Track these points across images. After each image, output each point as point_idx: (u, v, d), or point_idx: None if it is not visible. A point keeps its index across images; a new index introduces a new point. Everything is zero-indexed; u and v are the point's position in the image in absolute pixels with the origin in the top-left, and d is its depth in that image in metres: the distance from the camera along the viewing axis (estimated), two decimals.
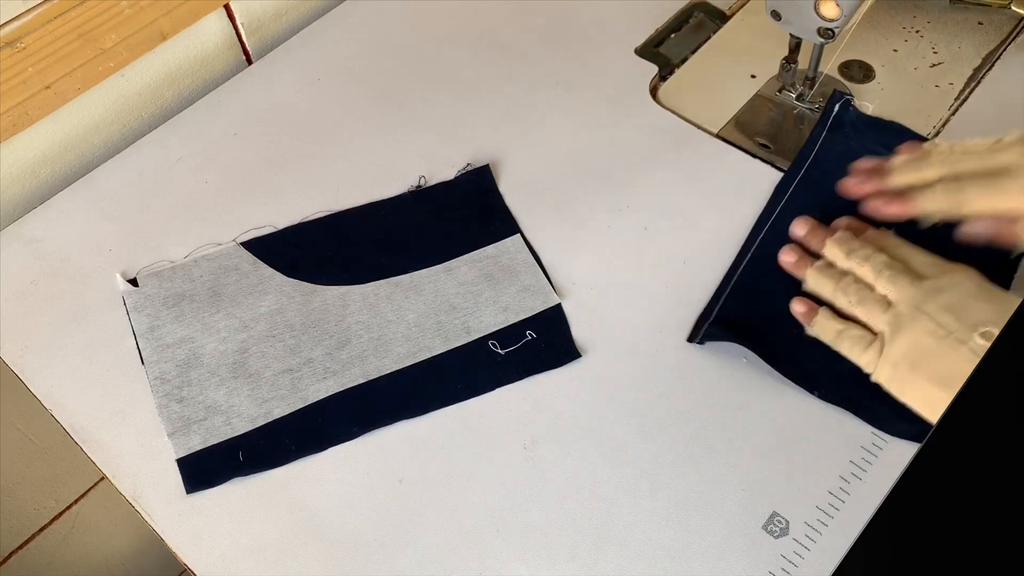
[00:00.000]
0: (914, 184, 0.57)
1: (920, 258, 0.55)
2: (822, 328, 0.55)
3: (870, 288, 0.55)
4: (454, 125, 0.71)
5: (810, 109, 0.71)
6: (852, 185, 0.60)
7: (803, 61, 0.69)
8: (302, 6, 0.79)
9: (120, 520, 0.99)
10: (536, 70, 0.74)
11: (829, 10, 0.62)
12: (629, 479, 0.53)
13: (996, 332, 0.48)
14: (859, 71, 0.74)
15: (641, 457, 0.54)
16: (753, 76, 0.74)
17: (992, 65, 0.73)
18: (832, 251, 0.57)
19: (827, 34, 0.63)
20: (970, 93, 0.72)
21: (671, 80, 0.74)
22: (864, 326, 0.55)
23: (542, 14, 0.79)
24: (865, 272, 0.55)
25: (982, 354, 0.46)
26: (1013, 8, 0.76)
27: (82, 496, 0.93)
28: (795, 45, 0.68)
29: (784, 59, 0.70)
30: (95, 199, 0.67)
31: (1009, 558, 0.27)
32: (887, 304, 0.54)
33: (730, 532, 0.51)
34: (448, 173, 0.68)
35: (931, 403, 0.51)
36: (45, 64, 0.62)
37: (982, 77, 0.72)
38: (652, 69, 0.74)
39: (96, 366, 0.58)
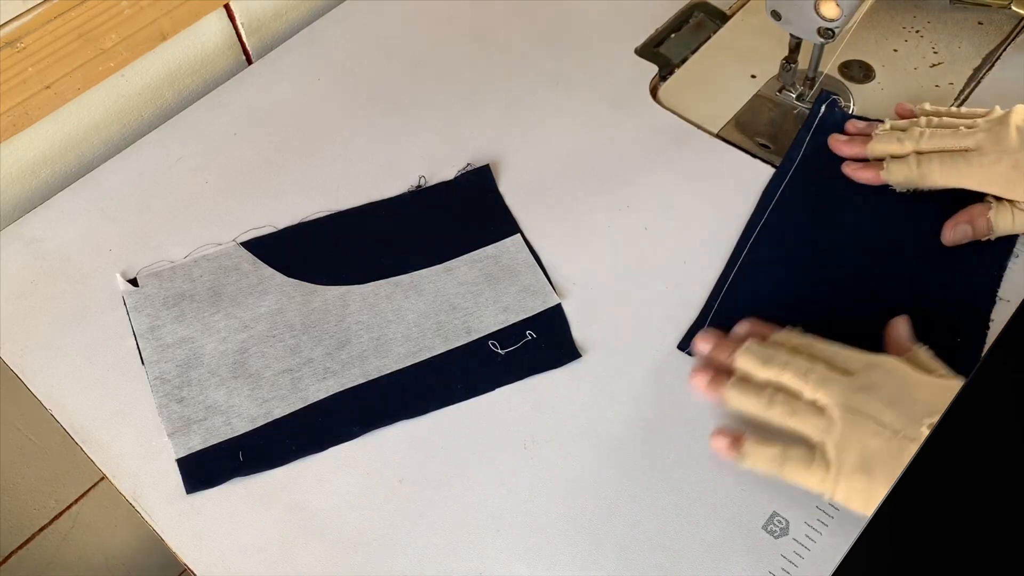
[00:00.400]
0: (888, 154, 0.62)
1: (841, 353, 0.51)
2: (756, 457, 0.50)
3: (797, 395, 0.50)
4: (454, 125, 0.71)
5: (810, 109, 0.71)
6: (836, 143, 0.66)
7: (803, 61, 0.69)
8: (302, 6, 0.79)
9: (120, 520, 0.99)
10: (536, 70, 0.74)
11: (829, 10, 0.62)
12: (629, 479, 0.53)
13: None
14: (859, 71, 0.74)
15: (641, 457, 0.54)
16: (753, 76, 0.74)
17: (992, 65, 0.73)
18: (745, 362, 0.52)
19: (827, 34, 0.63)
20: (970, 93, 0.72)
21: (671, 80, 0.74)
22: (797, 438, 0.50)
23: (542, 14, 0.79)
24: (788, 379, 0.50)
25: None
26: (1013, 8, 0.76)
27: (82, 496, 0.93)
28: (795, 45, 0.68)
29: (784, 59, 0.70)
30: (95, 199, 0.67)
31: (1009, 558, 0.27)
32: (819, 410, 0.49)
33: (730, 532, 0.51)
34: (448, 173, 0.68)
35: None
36: (45, 64, 0.62)
37: (982, 77, 0.72)
38: (652, 69, 0.74)
39: (96, 366, 0.58)
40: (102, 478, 0.55)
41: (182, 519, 0.52)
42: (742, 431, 0.52)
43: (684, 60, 0.76)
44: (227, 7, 0.73)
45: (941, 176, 0.60)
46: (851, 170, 0.64)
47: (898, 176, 0.61)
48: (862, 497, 0.48)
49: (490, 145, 0.69)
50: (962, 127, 0.60)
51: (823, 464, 0.48)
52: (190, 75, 0.74)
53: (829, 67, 0.73)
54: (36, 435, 0.83)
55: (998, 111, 0.60)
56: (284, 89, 0.74)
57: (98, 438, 0.55)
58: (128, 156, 0.69)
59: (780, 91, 0.72)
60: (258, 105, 0.72)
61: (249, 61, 0.78)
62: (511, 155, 0.69)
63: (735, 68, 0.75)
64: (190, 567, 0.51)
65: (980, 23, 0.76)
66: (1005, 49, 0.74)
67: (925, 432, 0.46)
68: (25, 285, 0.62)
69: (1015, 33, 0.75)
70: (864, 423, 0.47)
